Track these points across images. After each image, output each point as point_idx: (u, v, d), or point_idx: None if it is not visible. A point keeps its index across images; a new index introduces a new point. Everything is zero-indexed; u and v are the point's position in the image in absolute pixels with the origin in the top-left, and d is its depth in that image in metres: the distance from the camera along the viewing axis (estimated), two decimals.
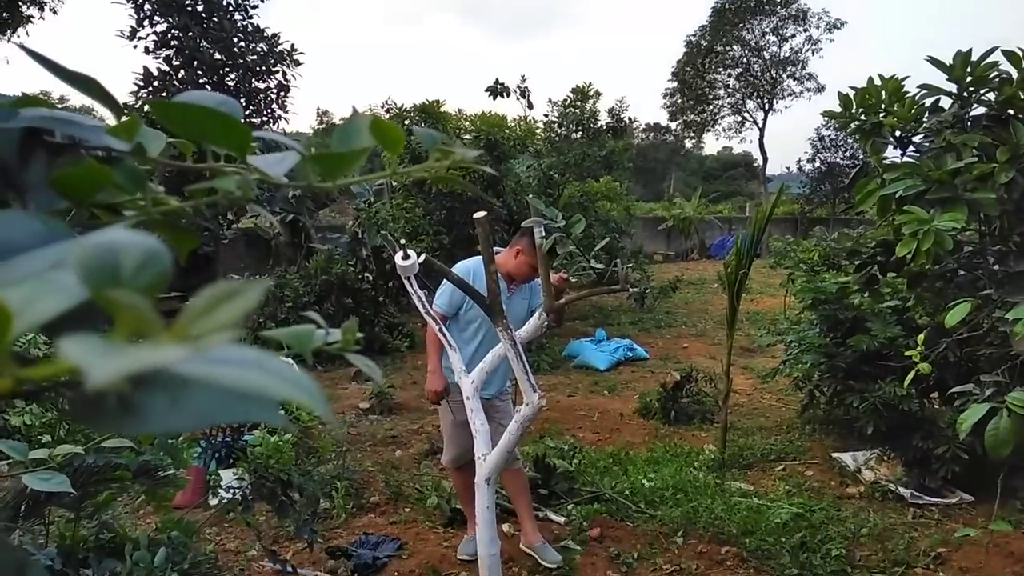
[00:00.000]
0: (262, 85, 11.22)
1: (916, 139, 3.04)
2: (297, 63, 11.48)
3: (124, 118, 0.40)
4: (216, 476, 2.64)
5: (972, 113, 2.82)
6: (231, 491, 2.35)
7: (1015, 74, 2.65)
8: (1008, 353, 2.74)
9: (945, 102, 2.92)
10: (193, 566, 2.16)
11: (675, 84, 32.28)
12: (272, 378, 0.20)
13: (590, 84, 11.86)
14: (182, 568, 2.08)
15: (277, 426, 4.04)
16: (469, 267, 3.28)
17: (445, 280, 3.35)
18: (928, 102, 2.96)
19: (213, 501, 3.96)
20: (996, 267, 2.85)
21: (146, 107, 9.43)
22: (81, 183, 0.36)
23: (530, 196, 5.02)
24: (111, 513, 2.28)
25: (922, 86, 2.92)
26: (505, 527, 3.83)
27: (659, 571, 3.41)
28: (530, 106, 11.16)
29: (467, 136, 10.19)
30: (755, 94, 30.83)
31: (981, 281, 3.00)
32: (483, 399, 3.35)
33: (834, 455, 4.91)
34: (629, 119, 12.45)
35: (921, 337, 3.03)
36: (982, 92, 2.77)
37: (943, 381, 4.14)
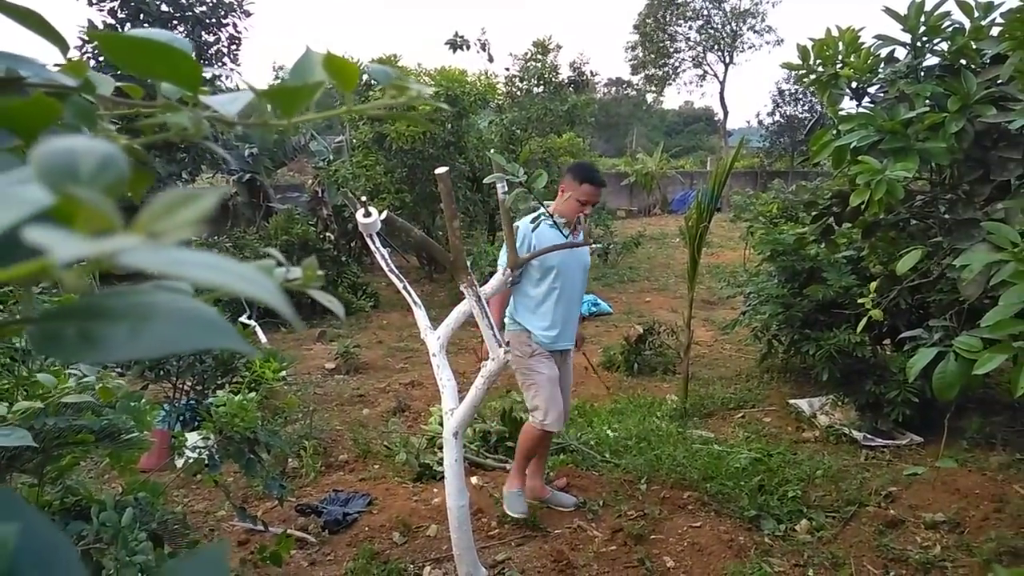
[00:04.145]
0: (212, 38, 10.83)
1: (871, 90, 3.07)
2: (248, 13, 11.10)
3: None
4: (182, 437, 2.62)
5: (925, 63, 2.85)
6: (197, 451, 2.34)
7: (967, 24, 2.69)
8: (956, 299, 2.83)
9: (900, 53, 2.95)
10: (161, 525, 2.16)
11: (636, 37, 32.04)
12: (230, 275, 0.20)
13: (550, 37, 11.74)
14: (150, 528, 2.08)
15: (244, 352, 4.03)
16: (522, 230, 3.23)
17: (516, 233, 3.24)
18: (884, 53, 2.98)
19: (179, 463, 3.94)
20: (946, 215, 2.93)
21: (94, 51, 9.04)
22: (28, 117, 0.35)
23: (492, 152, 4.98)
24: (75, 478, 2.25)
25: (877, 36, 2.94)
26: (474, 479, 3.89)
27: (624, 517, 3.51)
28: (491, 59, 11.04)
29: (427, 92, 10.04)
30: (716, 47, 30.78)
31: (932, 229, 3.08)
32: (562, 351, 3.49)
33: (791, 402, 5.07)
34: (590, 73, 12.36)
35: (873, 285, 3.11)
36: (935, 42, 2.80)
37: (895, 327, 4.28)
